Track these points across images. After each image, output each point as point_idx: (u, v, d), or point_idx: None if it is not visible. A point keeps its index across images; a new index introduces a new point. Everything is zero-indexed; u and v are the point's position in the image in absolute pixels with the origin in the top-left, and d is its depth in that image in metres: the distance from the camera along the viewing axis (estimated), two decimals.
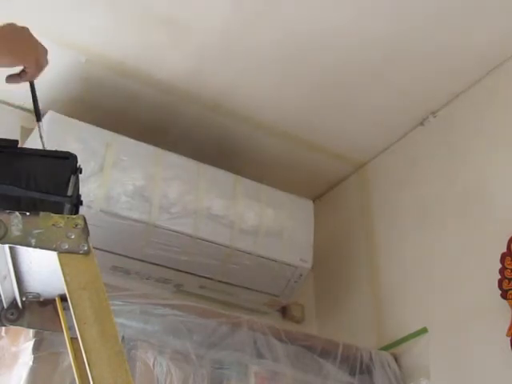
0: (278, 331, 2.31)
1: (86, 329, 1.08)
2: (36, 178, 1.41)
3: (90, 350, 1.06)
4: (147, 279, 2.56)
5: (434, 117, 2.70)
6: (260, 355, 2.22)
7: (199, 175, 2.57)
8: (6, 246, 1.21)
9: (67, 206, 1.41)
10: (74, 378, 1.17)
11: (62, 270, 1.15)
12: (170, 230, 2.43)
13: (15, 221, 1.19)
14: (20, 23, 2.28)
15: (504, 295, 2.17)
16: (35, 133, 2.43)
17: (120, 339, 1.11)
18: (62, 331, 1.29)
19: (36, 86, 2.58)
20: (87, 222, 1.25)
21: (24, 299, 1.37)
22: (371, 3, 2.25)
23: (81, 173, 1.51)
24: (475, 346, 2.24)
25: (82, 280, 1.14)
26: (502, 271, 2.20)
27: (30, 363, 1.84)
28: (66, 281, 1.13)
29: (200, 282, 2.62)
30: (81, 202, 1.49)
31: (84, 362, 1.06)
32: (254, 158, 2.88)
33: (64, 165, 1.48)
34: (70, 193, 1.44)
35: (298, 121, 2.75)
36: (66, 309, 1.27)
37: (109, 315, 1.11)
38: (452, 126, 2.62)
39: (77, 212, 1.44)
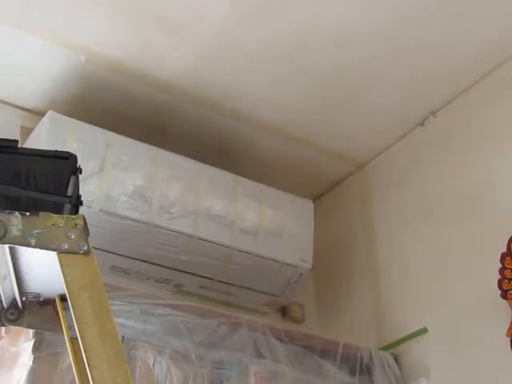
0: (278, 331, 2.31)
1: (86, 329, 1.08)
2: (36, 178, 1.42)
3: (90, 350, 1.06)
4: (147, 279, 2.56)
5: (434, 117, 2.70)
6: (260, 355, 2.22)
7: (199, 175, 2.57)
8: (6, 246, 1.22)
9: (67, 206, 1.41)
10: (74, 378, 1.18)
11: (62, 270, 1.15)
12: (169, 230, 2.43)
13: (15, 221, 1.19)
14: (20, 23, 2.29)
15: (504, 295, 2.17)
16: (35, 133, 2.43)
17: (120, 339, 1.11)
18: (62, 331, 1.29)
19: (36, 86, 2.60)
20: (87, 222, 1.25)
21: (24, 299, 1.37)
22: (371, 3, 2.25)
23: (81, 173, 1.51)
24: (475, 346, 2.24)
25: (82, 280, 1.14)
26: (501, 271, 2.20)
27: (30, 363, 1.83)
28: (65, 281, 1.13)
29: (200, 282, 2.62)
30: (81, 202, 1.49)
31: (84, 362, 1.06)
32: (254, 158, 2.88)
33: (64, 165, 1.48)
34: (69, 193, 1.44)
35: (297, 121, 2.75)
36: (65, 309, 1.27)
37: (109, 315, 1.11)
38: (452, 126, 2.62)
39: (77, 212, 1.44)
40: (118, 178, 2.38)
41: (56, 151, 1.54)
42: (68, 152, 1.50)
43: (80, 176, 1.51)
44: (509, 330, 2.13)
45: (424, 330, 2.43)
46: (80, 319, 1.09)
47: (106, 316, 1.10)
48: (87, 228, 1.24)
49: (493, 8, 2.26)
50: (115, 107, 2.61)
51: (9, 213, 1.21)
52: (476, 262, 2.34)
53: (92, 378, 1.02)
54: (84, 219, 1.25)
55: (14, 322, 1.37)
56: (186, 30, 2.34)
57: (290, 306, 2.90)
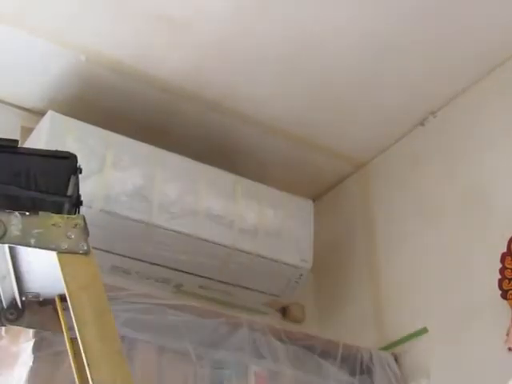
0: (278, 331, 2.30)
1: (86, 329, 1.08)
2: (36, 178, 1.41)
3: (90, 350, 1.06)
4: (147, 279, 2.56)
5: (434, 117, 2.70)
6: (260, 355, 2.22)
7: (199, 175, 2.56)
8: (6, 246, 1.21)
9: (66, 206, 1.41)
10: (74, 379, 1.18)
11: (62, 269, 1.15)
12: (169, 230, 2.43)
13: (15, 221, 1.19)
14: (20, 23, 2.29)
15: (504, 295, 2.17)
16: (35, 133, 2.43)
17: (119, 339, 1.11)
18: (62, 331, 1.29)
19: (36, 86, 2.60)
20: (87, 222, 1.25)
21: (24, 299, 1.37)
22: (371, 2, 2.25)
23: (81, 173, 1.51)
24: (475, 346, 2.24)
25: (82, 280, 1.14)
26: (502, 271, 2.20)
27: (30, 363, 1.83)
28: (65, 281, 1.13)
29: (200, 282, 2.62)
30: (81, 202, 1.49)
31: (84, 362, 1.06)
32: (254, 158, 2.88)
33: (64, 165, 1.48)
34: (69, 193, 1.44)
35: (298, 120, 2.75)
36: (65, 309, 1.27)
37: (108, 315, 1.11)
38: (452, 126, 2.62)
39: (78, 212, 1.44)
40: (117, 178, 2.38)
41: (56, 151, 1.54)
42: (68, 152, 1.50)
43: (80, 176, 1.51)
44: (509, 329, 2.13)
45: (424, 330, 2.43)
46: (79, 319, 1.09)
47: (105, 316, 1.10)
48: (87, 228, 1.24)
49: (493, 8, 2.26)
50: (115, 107, 2.61)
51: (9, 212, 1.21)
52: (476, 262, 2.33)
53: (91, 378, 1.02)
54: (84, 219, 1.25)
55: (13, 322, 1.37)
56: (186, 29, 2.34)
57: (290, 306, 2.90)
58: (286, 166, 2.95)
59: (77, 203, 1.46)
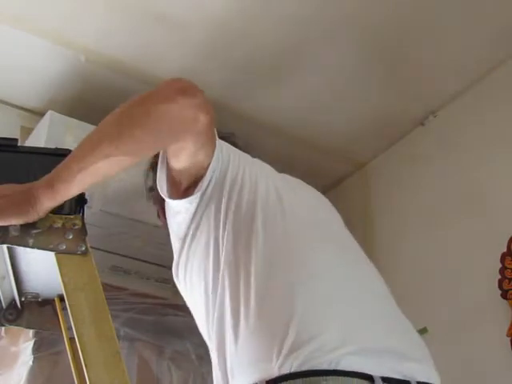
0: None
1: (83, 329, 1.08)
2: (36, 176, 1.41)
3: (87, 350, 1.06)
4: (147, 279, 2.56)
5: (434, 117, 2.70)
6: None
7: None
8: (5, 247, 1.22)
9: (67, 204, 1.41)
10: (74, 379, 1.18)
11: (60, 270, 1.15)
12: None
13: None
14: (20, 23, 2.29)
15: (504, 295, 2.17)
16: (35, 133, 2.43)
17: (117, 340, 1.11)
18: (61, 331, 1.29)
19: (36, 86, 2.59)
20: (85, 222, 1.25)
21: (23, 299, 1.37)
22: (371, 2, 2.25)
23: None
24: (475, 345, 2.24)
25: (80, 280, 1.14)
26: (502, 271, 2.20)
27: (30, 363, 1.84)
28: (63, 281, 1.13)
29: None
30: (85, 201, 1.48)
31: (81, 363, 1.06)
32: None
33: None
34: None
35: (297, 120, 2.75)
36: (65, 309, 1.27)
37: (106, 316, 1.11)
38: (452, 126, 2.62)
39: (82, 210, 1.43)
40: (117, 178, 2.38)
41: (56, 148, 1.53)
42: (67, 149, 1.49)
43: None
44: (509, 329, 2.13)
45: (424, 330, 2.42)
46: (77, 320, 1.09)
47: (103, 317, 1.10)
48: (85, 228, 1.24)
49: (493, 7, 2.25)
50: (115, 107, 2.60)
51: None
52: (476, 262, 2.33)
53: (89, 378, 1.02)
54: (82, 219, 1.25)
55: (13, 322, 1.37)
56: (186, 28, 2.34)
57: None
58: (286, 166, 2.93)
59: (80, 201, 1.46)
